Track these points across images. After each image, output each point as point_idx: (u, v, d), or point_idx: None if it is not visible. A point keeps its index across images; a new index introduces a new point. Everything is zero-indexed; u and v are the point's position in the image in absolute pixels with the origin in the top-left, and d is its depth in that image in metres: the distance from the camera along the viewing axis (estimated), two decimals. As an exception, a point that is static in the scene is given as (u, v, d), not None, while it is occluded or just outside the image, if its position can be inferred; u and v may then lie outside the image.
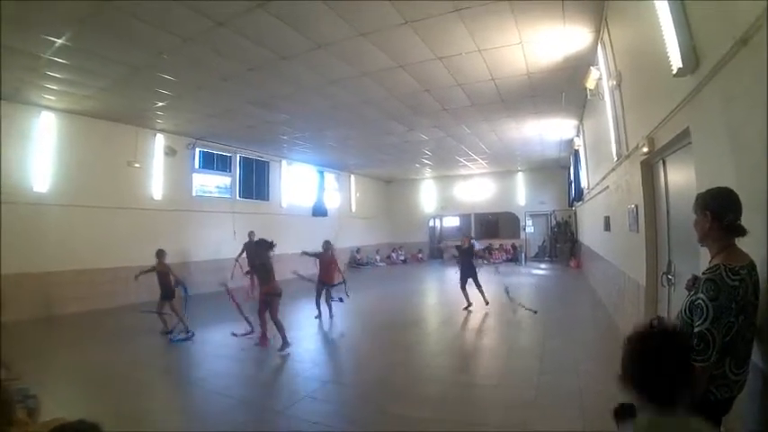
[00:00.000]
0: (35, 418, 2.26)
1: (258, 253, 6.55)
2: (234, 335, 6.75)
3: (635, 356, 1.48)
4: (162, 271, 7.25)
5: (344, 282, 8.94)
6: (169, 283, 7.22)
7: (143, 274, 7.21)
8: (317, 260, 8.41)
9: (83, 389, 4.76)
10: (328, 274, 8.37)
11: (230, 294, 7.03)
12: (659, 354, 1.43)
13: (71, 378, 5.10)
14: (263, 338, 6.36)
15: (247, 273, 9.58)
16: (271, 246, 6.36)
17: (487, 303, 8.68)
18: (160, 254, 7.33)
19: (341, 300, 8.97)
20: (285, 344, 6.01)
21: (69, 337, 7.14)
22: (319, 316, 8.19)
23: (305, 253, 8.39)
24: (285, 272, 7.57)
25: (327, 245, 8.54)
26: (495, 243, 20.78)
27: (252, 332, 6.73)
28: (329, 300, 8.40)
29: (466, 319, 7.91)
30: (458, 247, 9.28)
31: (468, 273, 8.83)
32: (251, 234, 11.11)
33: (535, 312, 7.95)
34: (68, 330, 7.62)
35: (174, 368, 5.57)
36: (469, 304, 8.61)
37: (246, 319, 6.92)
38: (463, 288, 8.81)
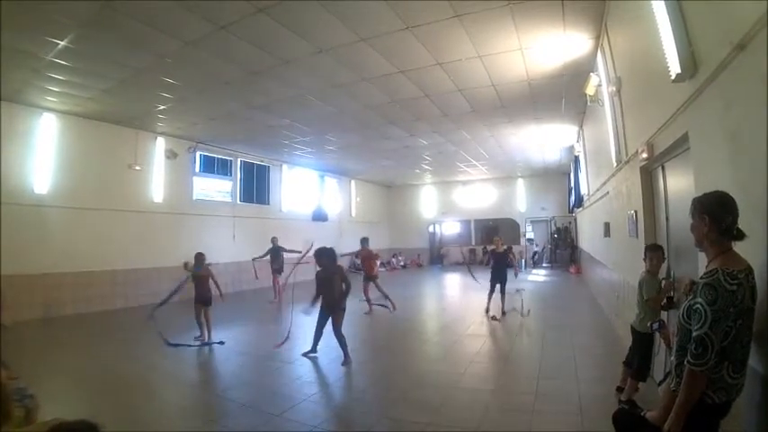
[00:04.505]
0: (33, 418, 2.26)
1: (323, 264, 5.73)
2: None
3: None
4: (202, 275, 7.00)
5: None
6: (209, 288, 6.96)
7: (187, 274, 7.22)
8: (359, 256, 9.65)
9: (81, 390, 4.75)
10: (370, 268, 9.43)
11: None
12: None
13: (69, 379, 5.09)
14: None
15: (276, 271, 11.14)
16: (334, 254, 5.83)
17: (504, 314, 8.34)
18: (199, 257, 7.14)
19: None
20: (347, 358, 5.57)
21: (68, 339, 7.12)
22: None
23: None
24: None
25: (365, 242, 9.69)
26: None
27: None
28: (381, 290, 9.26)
29: (465, 325, 7.87)
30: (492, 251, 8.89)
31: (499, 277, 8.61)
32: (274, 240, 11.57)
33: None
34: (67, 332, 7.60)
35: (173, 370, 5.53)
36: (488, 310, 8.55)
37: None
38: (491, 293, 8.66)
